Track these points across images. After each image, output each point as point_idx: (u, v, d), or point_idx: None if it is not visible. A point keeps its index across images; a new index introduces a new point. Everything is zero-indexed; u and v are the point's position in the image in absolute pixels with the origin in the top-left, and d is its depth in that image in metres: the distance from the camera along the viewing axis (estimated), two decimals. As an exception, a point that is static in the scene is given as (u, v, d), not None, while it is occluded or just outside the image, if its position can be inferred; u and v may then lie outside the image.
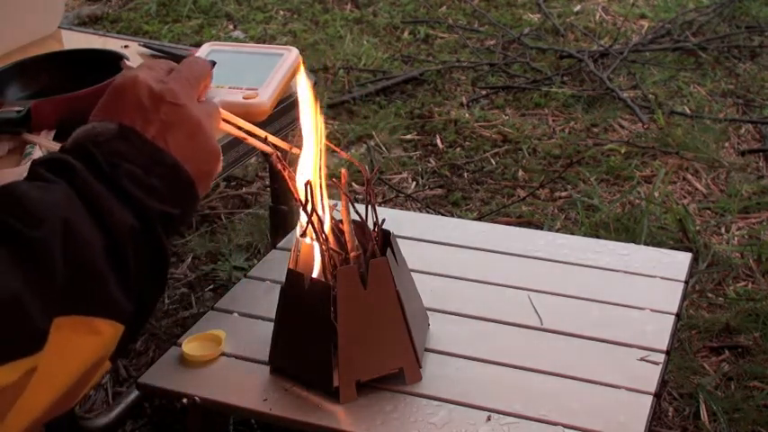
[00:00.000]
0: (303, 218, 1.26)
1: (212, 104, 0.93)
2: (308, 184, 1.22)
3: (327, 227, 1.27)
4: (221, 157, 0.87)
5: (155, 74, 0.84)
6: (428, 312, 1.45)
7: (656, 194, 2.47)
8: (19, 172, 1.40)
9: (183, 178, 0.80)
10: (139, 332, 0.79)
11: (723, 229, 2.37)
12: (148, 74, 0.83)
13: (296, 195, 1.23)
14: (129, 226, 0.74)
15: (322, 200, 1.25)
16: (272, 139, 1.10)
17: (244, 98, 1.61)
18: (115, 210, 0.73)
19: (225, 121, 1.00)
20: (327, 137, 1.21)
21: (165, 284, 0.79)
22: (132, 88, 0.81)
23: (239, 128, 1.06)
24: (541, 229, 2.30)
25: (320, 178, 1.23)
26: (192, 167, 0.81)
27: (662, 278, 1.56)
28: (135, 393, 1.73)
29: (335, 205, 1.32)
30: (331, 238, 1.29)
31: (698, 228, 2.34)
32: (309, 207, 1.23)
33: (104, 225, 0.72)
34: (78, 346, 0.69)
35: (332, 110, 2.96)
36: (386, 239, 1.33)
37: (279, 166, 1.21)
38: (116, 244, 0.72)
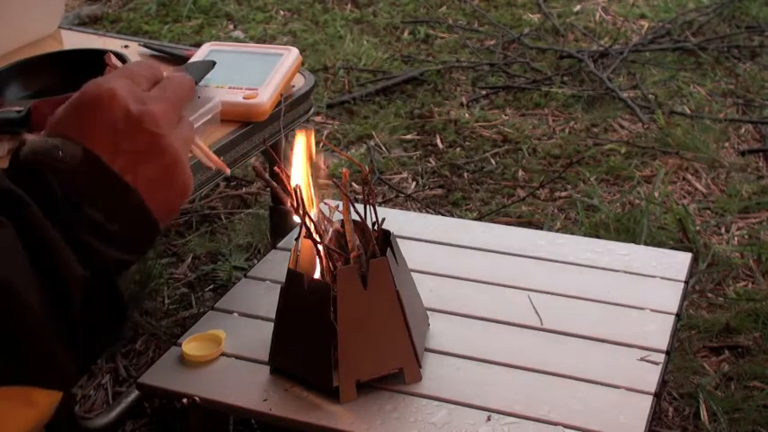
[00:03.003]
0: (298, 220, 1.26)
1: (189, 127, 0.80)
2: (297, 188, 1.22)
3: (320, 228, 1.27)
4: (191, 191, 0.77)
5: (135, 89, 0.73)
6: (428, 312, 1.45)
7: (656, 194, 2.47)
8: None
9: (148, 221, 0.71)
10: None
11: (723, 229, 2.37)
12: (128, 89, 0.72)
13: (291, 199, 1.24)
14: (81, 278, 0.65)
15: (314, 202, 1.25)
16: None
17: (244, 98, 1.61)
18: (68, 261, 0.65)
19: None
20: (327, 137, 1.21)
21: (121, 333, 0.71)
22: (107, 105, 0.70)
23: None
24: (541, 229, 2.30)
25: (310, 183, 1.23)
26: (160, 205, 0.72)
27: (662, 278, 1.56)
28: (135, 393, 1.73)
29: (337, 206, 1.32)
30: (330, 238, 1.29)
31: (698, 228, 2.34)
32: (301, 210, 1.23)
33: (52, 279, 0.64)
34: (11, 418, 0.64)
35: (332, 110, 2.96)
36: (386, 239, 1.33)
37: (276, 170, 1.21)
38: (63, 300, 0.64)
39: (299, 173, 1.24)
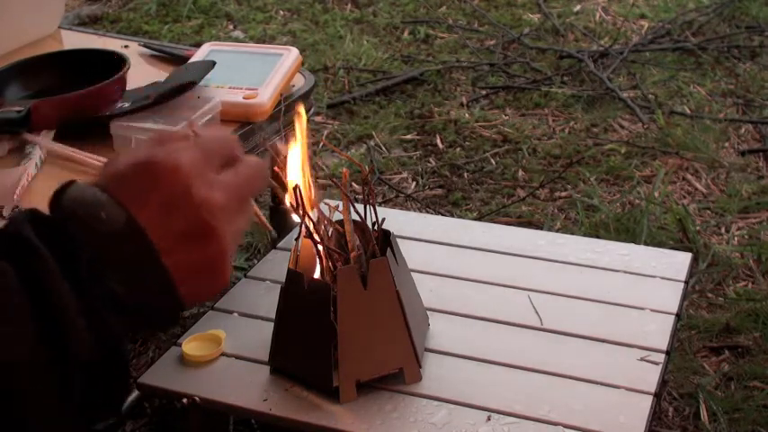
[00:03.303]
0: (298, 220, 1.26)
1: (246, 218, 0.70)
2: (296, 188, 1.22)
3: (320, 228, 1.27)
4: (227, 285, 0.69)
5: (204, 169, 0.65)
6: (428, 312, 1.45)
7: (656, 194, 2.47)
8: (19, 172, 1.40)
9: (172, 307, 0.65)
10: None
11: (723, 229, 2.37)
12: (197, 167, 0.64)
13: (290, 199, 1.24)
14: (85, 342, 0.59)
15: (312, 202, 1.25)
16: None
17: (244, 98, 1.62)
18: (73, 323, 0.58)
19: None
20: (327, 137, 1.20)
21: (120, 409, 0.66)
22: (169, 178, 0.63)
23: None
24: (541, 229, 2.30)
25: (308, 183, 1.22)
26: (190, 292, 0.65)
27: (662, 278, 1.56)
28: (135, 393, 1.73)
29: (337, 206, 1.32)
30: (330, 238, 1.29)
31: (698, 228, 2.34)
32: (301, 210, 1.23)
33: (51, 337, 0.57)
34: None
35: (332, 110, 2.96)
36: (386, 239, 1.33)
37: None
38: (61, 364, 0.58)
39: (295, 172, 1.24)
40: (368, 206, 1.30)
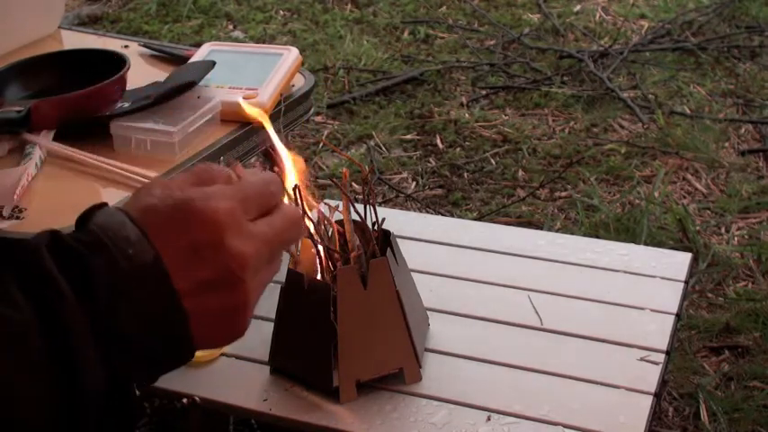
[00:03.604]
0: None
1: (275, 269, 0.68)
2: (296, 188, 1.22)
3: (320, 228, 1.27)
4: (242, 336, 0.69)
5: (241, 220, 0.63)
6: (428, 312, 1.45)
7: (656, 194, 2.47)
8: (19, 172, 1.40)
9: (184, 351, 0.64)
10: None
11: (723, 229, 2.37)
12: (233, 217, 0.62)
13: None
14: (99, 387, 0.58)
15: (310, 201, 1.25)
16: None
17: (244, 98, 1.61)
18: (86, 368, 0.57)
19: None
20: (327, 137, 1.20)
21: None
22: (203, 227, 0.61)
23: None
24: (541, 229, 2.30)
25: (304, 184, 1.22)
26: (204, 338, 0.64)
27: (662, 278, 1.56)
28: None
29: (337, 206, 1.32)
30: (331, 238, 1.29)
31: (698, 228, 2.34)
32: (300, 211, 1.23)
33: (64, 382, 0.56)
34: None
35: (332, 110, 2.96)
36: (386, 239, 1.33)
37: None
38: (73, 412, 0.57)
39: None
40: (368, 206, 1.30)
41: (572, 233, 2.27)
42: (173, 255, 0.60)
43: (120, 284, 0.59)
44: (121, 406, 0.61)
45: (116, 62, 1.58)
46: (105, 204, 0.64)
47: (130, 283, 0.59)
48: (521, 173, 2.63)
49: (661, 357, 1.37)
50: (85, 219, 0.62)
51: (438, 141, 2.79)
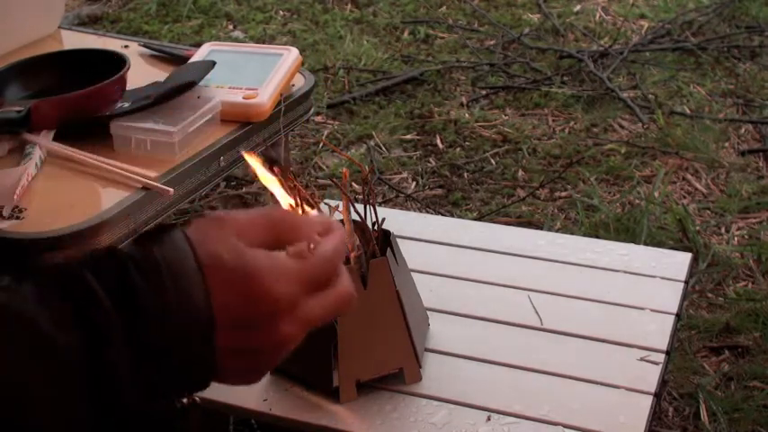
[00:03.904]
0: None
1: (302, 335, 0.70)
2: (295, 188, 1.22)
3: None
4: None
5: (300, 302, 0.66)
6: (428, 312, 1.45)
7: (656, 194, 2.47)
8: (19, 172, 1.40)
9: (201, 389, 0.67)
10: None
11: (723, 229, 2.37)
12: (295, 301, 0.65)
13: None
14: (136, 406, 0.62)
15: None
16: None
17: (244, 98, 1.61)
18: (126, 396, 0.61)
19: None
20: (327, 137, 1.20)
21: None
22: (262, 305, 0.63)
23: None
24: (541, 229, 2.30)
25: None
26: (220, 380, 0.66)
27: (662, 278, 1.56)
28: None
29: (337, 206, 1.32)
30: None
31: (698, 228, 2.34)
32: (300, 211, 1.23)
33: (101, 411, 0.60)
34: None
35: (332, 110, 2.96)
36: (386, 239, 1.33)
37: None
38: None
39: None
40: (368, 206, 1.30)
41: (572, 233, 2.27)
42: (225, 318, 0.62)
43: (170, 334, 0.61)
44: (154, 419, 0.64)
45: (116, 62, 1.58)
46: (174, 227, 0.64)
47: (179, 334, 0.61)
48: (521, 173, 2.63)
49: (661, 357, 1.37)
50: (151, 239, 0.63)
51: (438, 141, 2.79)
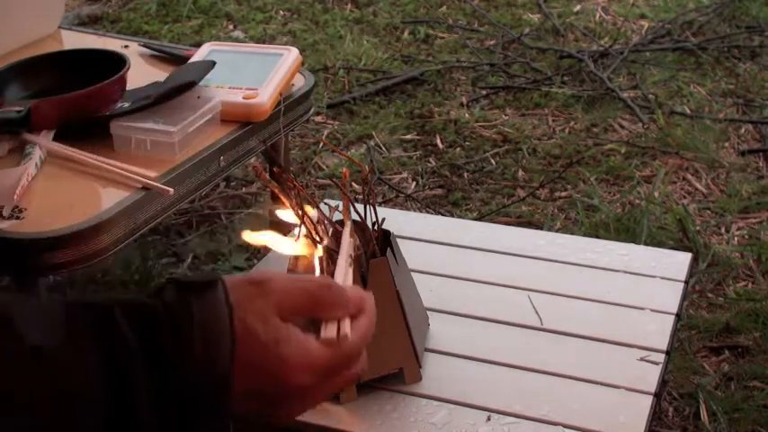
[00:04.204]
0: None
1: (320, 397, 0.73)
2: (295, 188, 1.22)
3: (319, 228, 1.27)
4: None
5: (323, 388, 0.70)
6: (428, 312, 1.45)
7: (656, 194, 2.47)
8: (19, 172, 1.40)
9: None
10: None
11: (723, 229, 2.37)
12: (317, 393, 0.70)
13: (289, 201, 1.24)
14: None
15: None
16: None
17: (244, 98, 1.62)
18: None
19: None
20: (327, 137, 1.20)
21: None
22: (285, 387, 0.67)
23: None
24: (541, 229, 2.30)
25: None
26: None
27: (662, 278, 1.56)
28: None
29: (337, 206, 1.32)
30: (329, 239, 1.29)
31: (698, 228, 2.34)
32: (300, 211, 1.23)
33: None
34: None
35: (332, 110, 2.96)
36: (386, 239, 1.33)
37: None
38: None
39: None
40: (368, 206, 1.30)
41: (572, 233, 2.27)
42: (244, 388, 0.65)
43: (188, 392, 0.63)
44: None
45: (116, 62, 1.58)
46: (218, 282, 0.66)
47: (196, 392, 0.64)
48: (521, 173, 2.63)
49: (661, 357, 1.37)
50: (194, 289, 0.65)
51: (438, 141, 2.79)
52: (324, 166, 2.66)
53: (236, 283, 0.67)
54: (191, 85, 1.58)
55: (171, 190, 1.42)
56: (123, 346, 0.62)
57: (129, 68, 1.57)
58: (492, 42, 3.43)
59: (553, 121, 2.91)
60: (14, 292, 0.60)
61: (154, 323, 0.63)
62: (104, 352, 0.62)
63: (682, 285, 1.55)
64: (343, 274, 0.86)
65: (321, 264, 1.30)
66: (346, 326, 0.71)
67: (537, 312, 1.47)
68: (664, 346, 1.40)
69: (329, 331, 0.70)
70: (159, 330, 0.63)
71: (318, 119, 2.89)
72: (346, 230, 0.96)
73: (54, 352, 0.61)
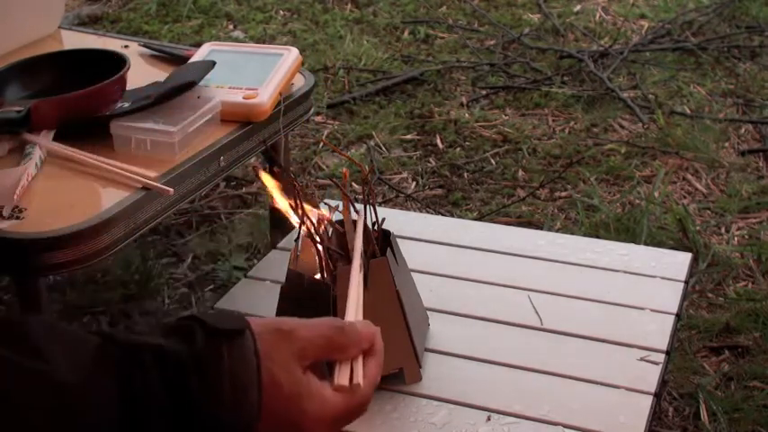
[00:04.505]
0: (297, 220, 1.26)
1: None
2: (295, 188, 1.22)
3: (320, 228, 1.27)
4: None
5: (336, 426, 0.76)
6: (428, 312, 1.45)
7: (656, 194, 2.47)
8: (19, 172, 1.40)
9: None
10: None
11: (723, 229, 2.37)
12: (331, 426, 0.75)
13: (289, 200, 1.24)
14: None
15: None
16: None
17: (244, 98, 1.61)
18: None
19: None
20: (327, 137, 1.20)
21: None
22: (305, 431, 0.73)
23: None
24: (541, 229, 2.30)
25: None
26: None
27: (662, 278, 1.56)
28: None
29: (337, 206, 1.32)
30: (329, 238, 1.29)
31: (698, 228, 2.34)
32: (300, 211, 1.23)
33: None
34: None
35: (332, 110, 2.96)
36: (386, 239, 1.33)
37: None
38: None
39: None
40: (368, 206, 1.30)
41: (572, 233, 2.27)
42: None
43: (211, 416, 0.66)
44: None
45: (116, 62, 1.58)
46: (246, 330, 0.70)
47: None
48: (521, 173, 2.63)
49: (661, 357, 1.37)
50: (224, 336, 0.68)
51: (438, 141, 2.79)
52: (324, 166, 2.66)
53: (262, 332, 0.71)
54: (191, 85, 1.58)
55: (171, 190, 1.42)
56: (146, 391, 0.64)
57: (129, 68, 1.56)
58: (492, 42, 3.43)
59: (553, 121, 2.91)
60: (53, 317, 0.62)
61: (183, 371, 0.66)
62: (126, 394, 0.63)
63: (682, 285, 1.55)
64: (356, 302, 0.91)
65: (322, 264, 1.30)
66: (359, 371, 0.78)
67: (537, 312, 1.47)
68: (664, 346, 1.40)
69: (342, 378, 0.76)
70: (188, 377, 0.65)
71: (318, 119, 2.89)
72: (358, 243, 0.99)
73: (76, 387, 0.62)
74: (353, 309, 0.89)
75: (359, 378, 0.77)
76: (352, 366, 0.78)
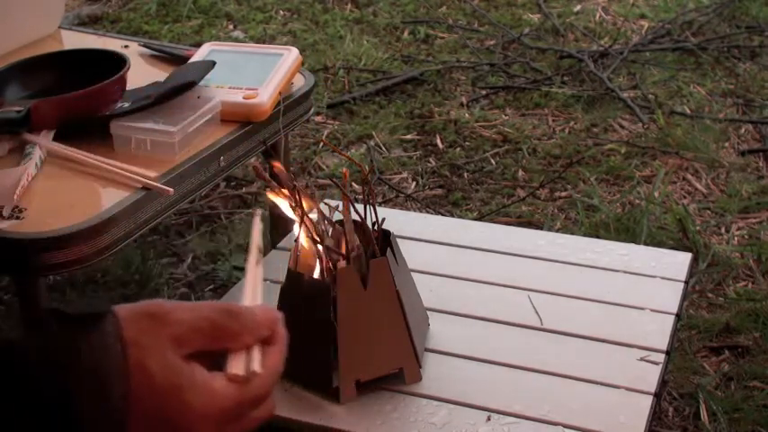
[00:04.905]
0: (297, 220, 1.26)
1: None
2: (295, 188, 1.22)
3: (320, 228, 1.27)
4: None
5: (229, 422, 0.64)
6: (428, 312, 1.45)
7: (656, 194, 2.47)
8: (19, 172, 1.40)
9: None
10: None
11: (723, 229, 2.37)
12: (222, 422, 0.63)
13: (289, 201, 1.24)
14: None
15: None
16: None
17: (244, 98, 1.62)
18: None
19: None
20: (327, 137, 1.20)
21: None
22: (191, 429, 0.62)
23: None
24: (541, 229, 2.30)
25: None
26: None
27: (662, 278, 1.56)
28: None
29: (337, 206, 1.32)
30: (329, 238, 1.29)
31: (698, 228, 2.34)
32: (300, 211, 1.23)
33: None
34: None
35: (332, 110, 2.96)
36: (386, 239, 1.33)
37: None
38: None
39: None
40: (368, 206, 1.30)
41: (572, 233, 2.27)
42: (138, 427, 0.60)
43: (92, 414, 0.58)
44: None
45: (116, 62, 1.58)
46: (107, 315, 0.61)
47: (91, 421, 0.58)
48: (521, 173, 2.63)
49: (661, 357, 1.37)
50: (81, 323, 0.60)
51: (438, 141, 2.79)
52: (324, 166, 2.66)
53: (128, 315, 0.60)
54: (191, 85, 1.58)
55: (171, 190, 1.42)
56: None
57: (129, 68, 1.57)
58: (492, 42, 3.43)
59: (553, 121, 2.91)
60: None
61: (28, 365, 0.57)
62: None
63: (682, 285, 1.55)
64: (252, 285, 0.74)
65: (321, 263, 1.30)
66: (255, 358, 0.65)
67: (537, 312, 1.47)
68: (664, 346, 1.40)
69: (236, 366, 0.64)
70: (37, 371, 0.57)
71: (318, 119, 2.89)
72: (256, 224, 0.81)
73: None
74: (250, 292, 0.73)
75: (255, 366, 0.64)
76: (252, 356, 0.65)
